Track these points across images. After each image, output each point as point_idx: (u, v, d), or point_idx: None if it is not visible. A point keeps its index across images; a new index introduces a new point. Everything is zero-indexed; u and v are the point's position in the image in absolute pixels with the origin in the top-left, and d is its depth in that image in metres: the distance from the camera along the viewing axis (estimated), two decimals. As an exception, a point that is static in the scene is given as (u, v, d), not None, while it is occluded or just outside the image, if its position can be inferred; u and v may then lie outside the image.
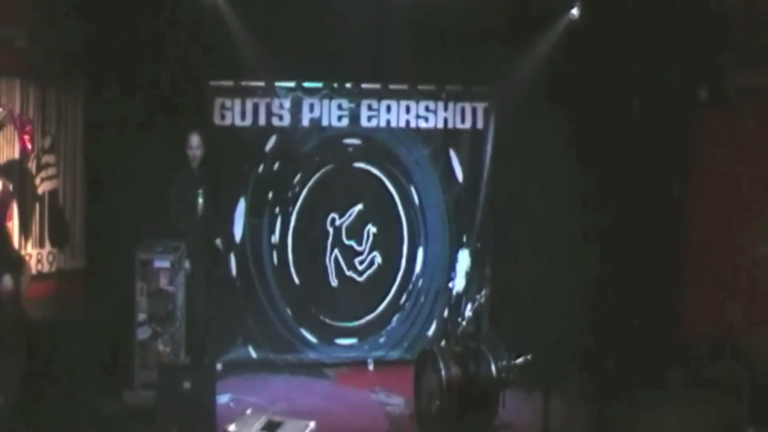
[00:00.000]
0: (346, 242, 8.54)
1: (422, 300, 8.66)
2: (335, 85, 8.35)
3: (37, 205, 7.30)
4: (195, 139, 7.70)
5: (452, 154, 8.61)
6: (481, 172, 8.54)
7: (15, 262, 6.45)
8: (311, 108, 8.34)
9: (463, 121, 8.56)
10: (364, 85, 8.39)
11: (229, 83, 8.13)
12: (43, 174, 7.32)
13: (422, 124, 8.53)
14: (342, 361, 8.51)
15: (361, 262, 8.57)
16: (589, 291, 8.07)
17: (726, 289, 7.89)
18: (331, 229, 8.49)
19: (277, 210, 8.40)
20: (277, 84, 8.23)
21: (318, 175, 8.45)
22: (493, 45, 7.98)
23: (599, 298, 8.04)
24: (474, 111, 8.55)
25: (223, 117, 8.17)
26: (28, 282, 6.57)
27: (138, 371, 7.21)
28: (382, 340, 8.64)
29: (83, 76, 7.52)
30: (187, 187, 7.69)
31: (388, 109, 8.46)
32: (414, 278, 8.68)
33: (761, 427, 6.36)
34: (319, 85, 8.32)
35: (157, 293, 7.26)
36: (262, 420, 6.42)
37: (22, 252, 7.12)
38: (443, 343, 7.46)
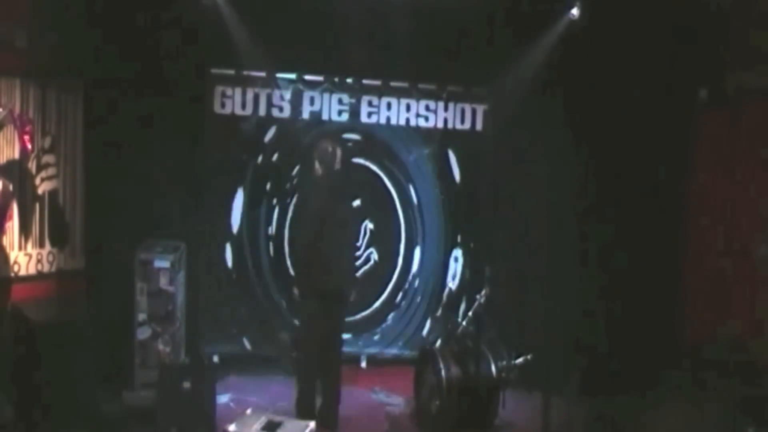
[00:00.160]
0: None
1: (418, 299, 8.68)
2: (336, 79, 8.36)
3: (37, 205, 7.29)
4: None
5: (451, 154, 8.61)
6: (479, 174, 8.55)
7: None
8: (311, 101, 8.36)
9: (462, 122, 8.57)
10: (365, 81, 8.40)
11: (230, 72, 8.14)
12: (43, 174, 7.32)
13: (422, 123, 8.54)
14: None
15: (357, 259, 8.57)
16: (589, 291, 8.07)
17: (726, 289, 7.89)
18: None
19: (274, 201, 8.42)
20: (278, 75, 8.23)
21: None
22: (494, 45, 7.97)
23: (599, 299, 8.03)
24: (474, 112, 8.56)
25: (223, 105, 8.20)
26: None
27: (138, 371, 7.22)
28: (376, 337, 8.65)
29: (83, 76, 7.50)
30: None
31: (389, 106, 8.48)
32: (410, 277, 8.69)
33: (761, 427, 6.36)
34: (320, 78, 8.33)
35: (157, 293, 7.26)
36: (262, 420, 6.41)
37: (22, 252, 7.13)
38: (442, 343, 7.45)
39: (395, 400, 7.66)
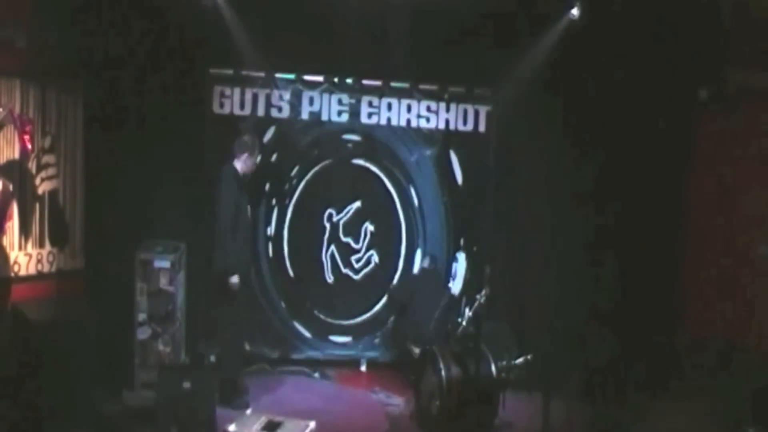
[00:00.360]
0: (343, 239, 8.54)
1: (419, 303, 8.65)
2: (336, 79, 8.35)
3: (37, 205, 7.29)
4: None
5: (453, 156, 8.60)
6: (481, 176, 8.54)
7: None
8: (311, 101, 8.36)
9: (465, 123, 8.55)
10: (365, 81, 8.39)
11: (229, 72, 8.14)
12: (43, 174, 7.31)
13: (423, 124, 8.53)
14: (335, 358, 8.50)
15: (357, 260, 8.57)
16: (589, 291, 8.07)
17: (726, 289, 7.89)
18: (328, 225, 8.49)
19: (273, 202, 8.42)
20: (277, 75, 8.23)
21: (316, 169, 8.46)
22: (494, 46, 7.97)
23: (599, 299, 8.03)
24: (476, 113, 8.54)
25: (222, 105, 8.19)
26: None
27: (138, 371, 7.22)
28: (377, 341, 8.64)
29: (83, 76, 7.50)
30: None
31: (389, 107, 8.47)
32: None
33: (761, 427, 6.36)
34: (320, 78, 8.32)
35: (157, 293, 7.26)
36: (262, 420, 6.42)
37: (22, 252, 7.13)
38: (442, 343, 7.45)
39: (395, 401, 7.66)
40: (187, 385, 6.55)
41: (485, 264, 8.05)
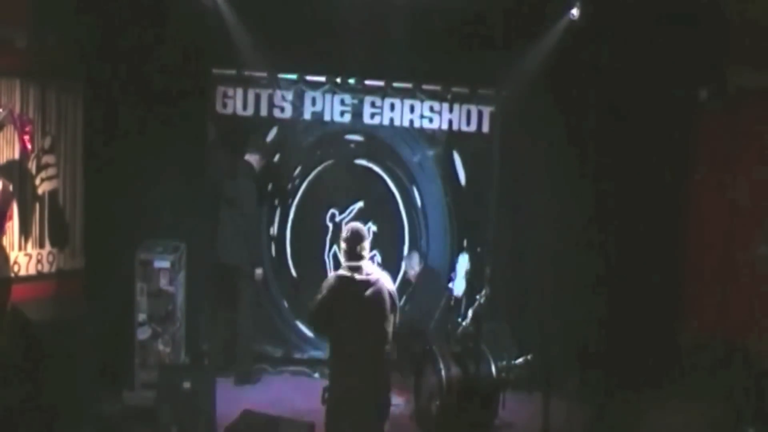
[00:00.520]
0: None
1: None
2: (338, 79, 8.35)
3: (37, 205, 7.29)
4: None
5: (456, 156, 8.60)
6: (485, 176, 8.53)
7: None
8: (313, 102, 8.36)
9: (468, 123, 8.54)
10: (367, 82, 8.39)
11: (232, 72, 8.14)
12: (43, 174, 7.31)
13: (426, 125, 8.52)
14: None
15: None
16: (589, 291, 8.06)
17: (726, 289, 7.89)
18: (330, 225, 8.49)
19: (276, 202, 8.42)
20: (280, 75, 8.24)
21: (318, 169, 8.47)
22: (497, 47, 7.97)
23: (599, 299, 8.03)
24: (480, 114, 8.53)
25: (225, 105, 8.21)
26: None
27: (138, 371, 7.23)
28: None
29: (83, 76, 7.51)
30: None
31: (392, 107, 8.46)
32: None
33: (761, 427, 6.36)
34: (322, 79, 8.32)
35: (157, 293, 7.27)
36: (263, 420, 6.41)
37: (22, 252, 7.13)
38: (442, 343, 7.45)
39: (395, 401, 7.64)
40: (187, 385, 6.55)
41: (486, 263, 8.08)
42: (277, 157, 8.38)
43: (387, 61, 8.03)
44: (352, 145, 8.51)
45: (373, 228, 8.53)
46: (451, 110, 8.50)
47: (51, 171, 7.39)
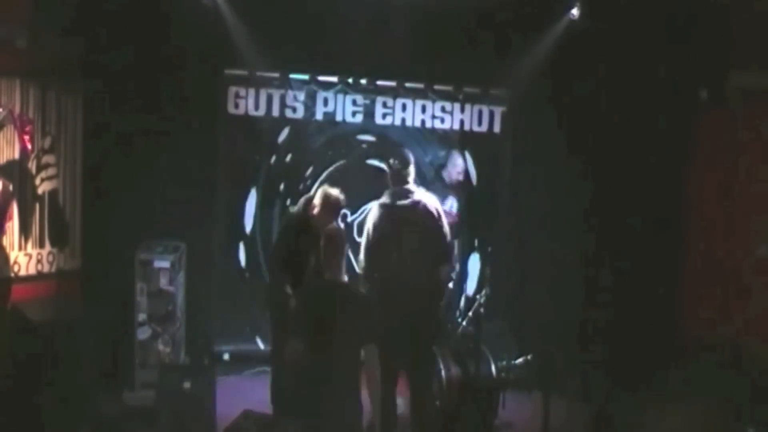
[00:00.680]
0: (358, 239, 8.50)
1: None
2: (350, 80, 8.35)
3: (37, 205, 7.29)
4: None
5: (468, 157, 8.59)
6: (496, 177, 8.51)
7: None
8: (325, 102, 8.36)
9: (480, 124, 8.53)
10: (379, 82, 8.39)
11: (244, 72, 8.14)
12: (43, 174, 7.31)
13: (438, 125, 8.51)
14: None
15: None
16: (589, 291, 8.07)
17: (726, 289, 7.89)
18: (342, 225, 8.48)
19: (288, 202, 8.41)
20: (291, 76, 8.24)
21: (330, 169, 8.45)
22: (505, 46, 7.97)
23: (599, 299, 8.03)
24: (491, 114, 8.53)
25: (237, 106, 8.20)
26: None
27: (138, 371, 7.22)
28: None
29: (83, 76, 7.50)
30: None
31: (404, 107, 8.46)
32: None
33: (761, 427, 6.36)
34: (334, 79, 8.32)
35: (157, 293, 7.26)
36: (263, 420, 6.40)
37: (22, 252, 7.13)
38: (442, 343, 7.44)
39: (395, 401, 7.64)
40: (187, 385, 6.54)
41: (494, 264, 8.08)
42: (288, 158, 8.37)
43: (399, 61, 8.01)
44: (364, 146, 8.51)
45: None
46: (462, 110, 8.50)
47: (51, 171, 7.39)
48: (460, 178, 7.85)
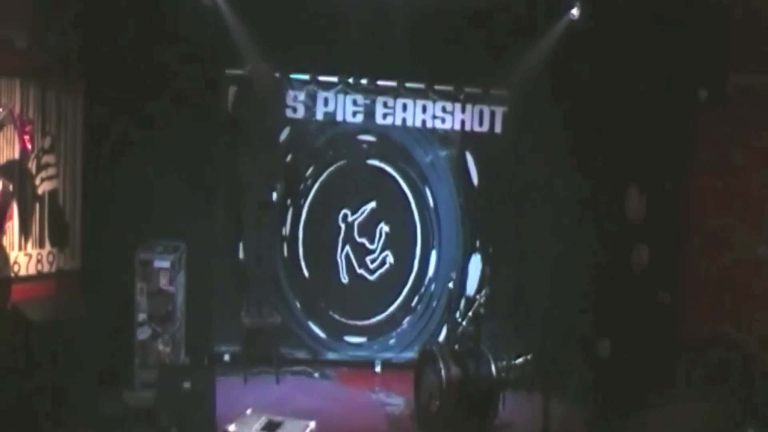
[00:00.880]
0: (358, 239, 8.54)
1: (434, 304, 8.62)
2: (350, 80, 8.35)
3: (37, 205, 7.29)
4: None
5: (468, 157, 8.58)
6: (498, 177, 8.52)
7: None
8: (325, 102, 8.38)
9: (481, 124, 8.53)
10: (380, 82, 8.39)
11: (244, 72, 8.14)
12: (43, 174, 7.31)
13: (439, 125, 8.51)
14: (351, 359, 8.49)
15: (372, 261, 8.56)
16: (589, 292, 8.06)
17: (726, 289, 7.88)
18: (342, 225, 8.50)
19: (288, 202, 8.41)
20: (292, 76, 8.23)
21: (331, 169, 8.48)
22: (506, 46, 7.97)
23: (600, 299, 8.03)
24: (492, 114, 8.53)
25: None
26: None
27: (138, 371, 7.22)
28: (392, 341, 8.63)
29: (83, 76, 7.51)
30: None
31: (404, 107, 8.46)
32: (426, 281, 8.65)
33: (761, 427, 6.35)
34: (335, 79, 8.32)
35: (157, 293, 7.27)
36: (262, 420, 6.41)
37: (22, 252, 7.13)
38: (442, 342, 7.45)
39: (395, 401, 7.66)
40: (187, 385, 6.55)
41: (494, 264, 8.10)
42: (289, 158, 8.38)
43: (399, 61, 8.01)
44: (365, 146, 8.52)
45: (386, 228, 8.53)
46: (463, 110, 8.50)
47: (51, 171, 7.39)
48: None
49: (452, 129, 8.55)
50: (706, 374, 7.22)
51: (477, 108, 8.53)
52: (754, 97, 7.56)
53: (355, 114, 8.44)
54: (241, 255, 8.36)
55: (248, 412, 6.65)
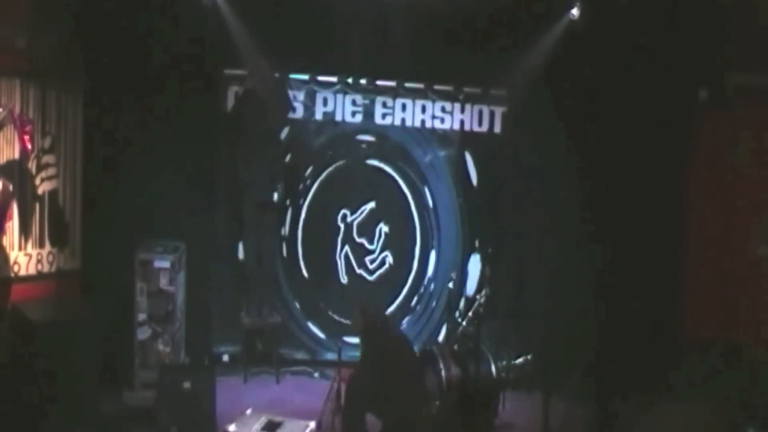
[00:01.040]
0: (357, 239, 8.53)
1: (434, 304, 8.61)
2: (350, 80, 8.35)
3: (37, 205, 7.29)
4: None
5: (468, 157, 8.58)
6: (497, 177, 8.52)
7: None
8: (325, 102, 8.36)
9: (480, 124, 8.53)
10: (379, 82, 8.38)
11: (244, 72, 8.13)
12: (43, 174, 7.31)
13: (438, 125, 8.51)
14: (350, 359, 8.48)
15: (372, 261, 8.55)
16: (589, 292, 8.06)
17: (726, 289, 7.89)
18: (342, 225, 8.49)
19: (287, 202, 8.41)
20: (291, 76, 8.23)
21: (330, 169, 8.48)
22: (505, 46, 7.97)
23: (600, 299, 8.03)
24: (492, 114, 8.52)
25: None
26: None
27: (138, 371, 7.22)
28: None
29: (83, 76, 7.51)
30: None
31: (404, 107, 8.45)
32: (426, 281, 8.64)
33: (761, 427, 6.36)
34: (334, 79, 8.32)
35: (157, 293, 7.26)
36: (262, 420, 6.42)
37: (22, 252, 7.13)
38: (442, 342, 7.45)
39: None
40: (187, 385, 6.55)
41: (494, 264, 8.10)
42: (288, 157, 8.38)
43: (399, 61, 8.00)
44: (364, 146, 8.52)
45: (385, 228, 8.53)
46: (462, 110, 8.49)
47: (51, 171, 7.39)
48: None
49: (451, 129, 8.53)
50: (706, 374, 7.22)
51: (476, 108, 8.51)
52: (754, 97, 7.56)
53: (354, 114, 8.43)
54: (241, 255, 8.34)
55: (248, 412, 6.65)
